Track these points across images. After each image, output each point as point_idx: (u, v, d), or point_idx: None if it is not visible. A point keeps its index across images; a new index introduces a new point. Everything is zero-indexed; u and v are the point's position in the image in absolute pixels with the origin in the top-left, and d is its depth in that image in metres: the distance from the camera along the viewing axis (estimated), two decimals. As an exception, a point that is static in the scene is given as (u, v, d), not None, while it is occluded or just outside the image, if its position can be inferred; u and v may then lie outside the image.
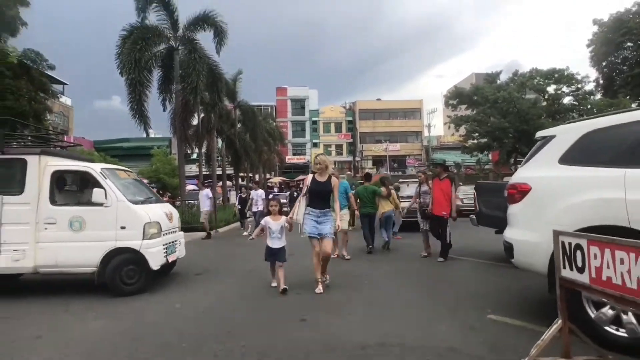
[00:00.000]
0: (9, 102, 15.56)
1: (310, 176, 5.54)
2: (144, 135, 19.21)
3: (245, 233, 12.77)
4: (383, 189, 8.72)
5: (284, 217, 5.52)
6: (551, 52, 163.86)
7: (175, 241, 6.46)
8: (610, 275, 2.39)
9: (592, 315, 3.18)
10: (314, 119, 58.36)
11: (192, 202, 15.61)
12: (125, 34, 14.68)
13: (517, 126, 26.89)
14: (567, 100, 30.25)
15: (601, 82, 26.42)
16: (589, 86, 29.11)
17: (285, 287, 5.21)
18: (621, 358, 2.89)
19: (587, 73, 28.01)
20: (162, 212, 6.29)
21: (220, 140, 24.76)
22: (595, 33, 25.47)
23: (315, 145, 57.21)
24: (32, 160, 5.66)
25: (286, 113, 57.41)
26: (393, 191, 9.36)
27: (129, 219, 5.61)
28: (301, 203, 5.48)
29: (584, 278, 2.61)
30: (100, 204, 5.54)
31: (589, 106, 27.11)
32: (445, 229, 7.34)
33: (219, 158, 24.75)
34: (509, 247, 3.96)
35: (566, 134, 3.76)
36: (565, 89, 30.18)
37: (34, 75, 17.22)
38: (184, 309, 4.77)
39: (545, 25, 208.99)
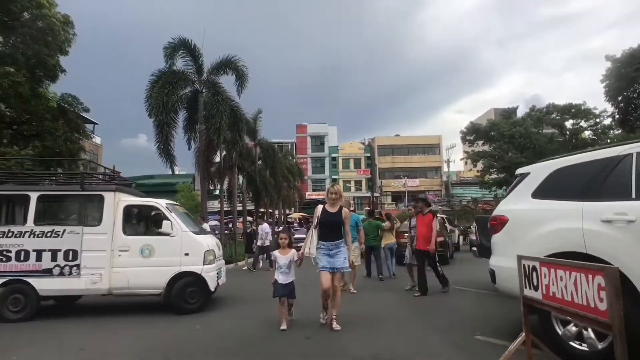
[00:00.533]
0: (48, 143, 16.87)
1: (320, 207, 5.28)
2: (169, 172, 20.33)
3: (245, 268, 13.57)
4: (387, 223, 9.54)
5: (293, 251, 5.30)
6: (570, 86, 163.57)
7: (221, 268, 7.29)
8: (554, 290, 2.83)
9: (560, 332, 3.56)
10: (333, 155, 59.48)
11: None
12: (154, 79, 15.95)
13: (534, 161, 26.98)
14: (586, 134, 30.34)
15: (617, 116, 26.53)
16: (607, 120, 29.19)
17: (290, 317, 5.26)
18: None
19: (605, 107, 27.98)
20: (213, 241, 7.27)
21: (241, 177, 25.69)
22: (608, 69, 25.82)
23: (334, 181, 58.02)
24: (108, 196, 6.60)
25: (306, 150, 58.77)
26: (396, 224, 10.19)
27: (192, 247, 6.51)
28: (313, 236, 5.19)
29: (538, 295, 3.05)
30: (168, 234, 6.44)
31: (608, 140, 27.13)
32: (435, 263, 7.54)
33: (240, 194, 25.61)
34: (492, 274, 4.39)
35: (538, 171, 4.27)
36: (583, 123, 30.34)
37: (71, 117, 18.68)
38: (204, 330, 5.29)
39: (564, 58, 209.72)
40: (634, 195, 3.28)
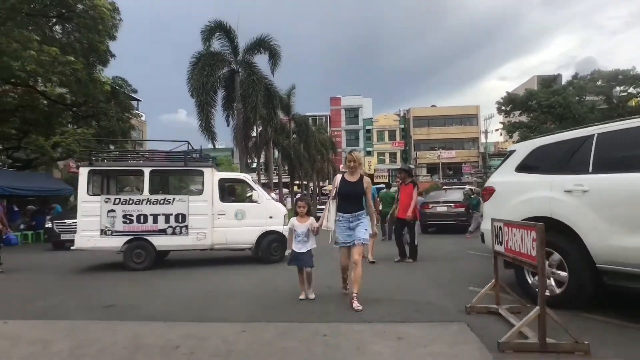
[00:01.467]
0: (103, 123, 18.62)
1: (338, 177, 4.95)
2: (210, 147, 21.71)
3: None
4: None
5: (311, 219, 5.03)
6: (631, 47, 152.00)
7: None
8: (511, 244, 3.63)
9: (530, 282, 4.36)
10: (367, 127, 59.52)
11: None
12: (194, 61, 17.11)
13: (573, 132, 26.47)
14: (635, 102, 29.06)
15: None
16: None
17: (312, 296, 4.91)
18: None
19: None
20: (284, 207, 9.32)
21: (276, 151, 26.89)
22: None
23: (368, 153, 58.30)
24: (206, 171, 8.18)
25: (340, 122, 59.14)
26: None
27: (274, 211, 8.44)
28: (331, 208, 4.86)
29: (502, 249, 3.86)
30: (256, 202, 8.45)
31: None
32: (413, 231, 7.93)
33: (276, 167, 26.86)
34: (482, 236, 5.18)
35: (523, 149, 4.95)
36: (632, 90, 29.02)
37: (122, 99, 20.32)
38: (249, 279, 6.42)
39: (622, 16, 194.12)
40: (590, 170, 3.96)
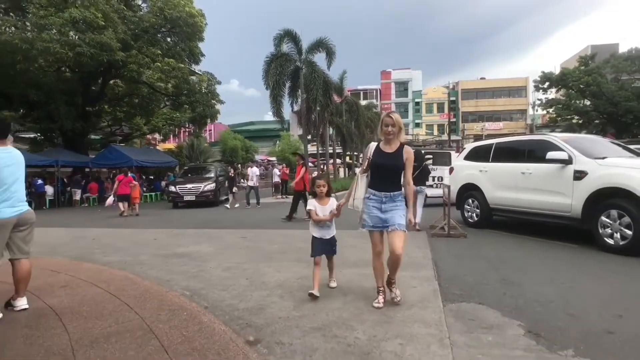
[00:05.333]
0: (199, 110, 24.06)
1: (372, 145, 3.91)
2: (265, 119, 26.64)
3: (227, 206, 15.57)
4: None
5: (332, 200, 4.20)
6: None
7: None
8: (452, 197, 8.06)
9: (467, 215, 8.78)
10: (417, 100, 62.16)
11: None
12: (268, 60, 21.86)
13: (605, 109, 28.55)
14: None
15: None
16: None
17: (334, 285, 4.31)
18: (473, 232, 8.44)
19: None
20: None
21: (331, 128, 31.51)
22: None
23: (417, 125, 61.27)
24: (452, 153, 13.86)
25: (390, 96, 62.31)
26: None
27: None
28: (360, 182, 3.89)
29: (452, 200, 8.32)
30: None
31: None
32: (298, 200, 10.90)
33: (331, 143, 31.56)
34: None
35: (469, 147, 9.23)
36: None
37: (210, 89, 25.66)
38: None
39: None
40: (490, 161, 8.22)
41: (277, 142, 51.67)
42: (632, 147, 7.61)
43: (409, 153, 3.71)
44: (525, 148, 7.61)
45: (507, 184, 7.63)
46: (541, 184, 6.83)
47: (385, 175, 3.74)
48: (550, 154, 6.52)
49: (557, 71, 35.34)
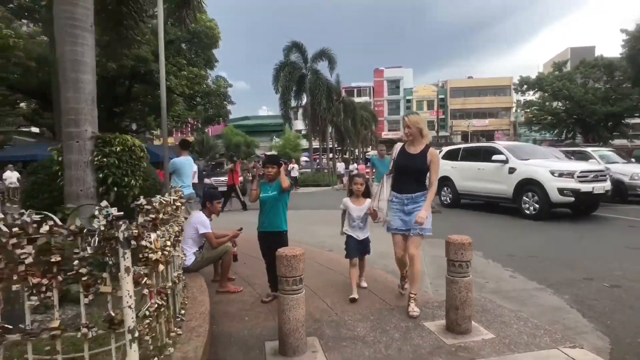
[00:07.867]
0: (213, 110, 27.03)
1: (398, 146, 3.81)
2: (260, 114, 29.72)
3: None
4: None
5: (368, 201, 4.06)
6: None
7: None
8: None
9: (442, 198, 12.04)
10: (407, 97, 65.39)
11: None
12: (278, 67, 24.92)
13: (574, 111, 31.99)
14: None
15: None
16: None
17: (364, 284, 4.30)
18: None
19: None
20: None
21: (330, 127, 34.69)
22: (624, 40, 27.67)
23: (410, 119, 64.27)
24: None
25: (382, 93, 65.49)
26: None
27: None
28: (385, 184, 3.80)
29: (425, 186, 11.58)
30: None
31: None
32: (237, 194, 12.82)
33: (331, 139, 34.76)
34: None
35: (445, 150, 12.45)
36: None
37: (222, 91, 28.56)
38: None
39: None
40: (459, 160, 11.45)
41: (274, 137, 54.60)
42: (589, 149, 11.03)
43: (433, 155, 3.62)
44: (481, 151, 10.85)
45: (469, 176, 10.90)
46: (490, 176, 10.09)
47: (407, 176, 3.69)
48: (495, 156, 9.79)
49: (540, 69, 38.55)
